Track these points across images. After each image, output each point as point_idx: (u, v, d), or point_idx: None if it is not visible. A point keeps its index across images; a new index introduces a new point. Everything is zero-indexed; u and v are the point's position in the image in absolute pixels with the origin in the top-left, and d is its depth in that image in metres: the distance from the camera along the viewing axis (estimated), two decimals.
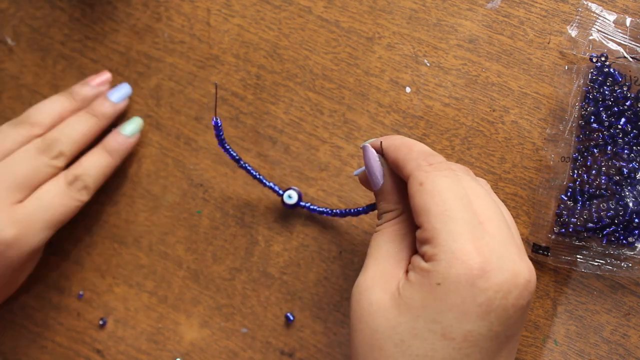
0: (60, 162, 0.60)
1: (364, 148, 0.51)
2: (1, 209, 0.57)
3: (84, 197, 0.60)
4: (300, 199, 0.60)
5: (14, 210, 0.57)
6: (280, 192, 0.60)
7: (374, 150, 0.51)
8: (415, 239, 0.46)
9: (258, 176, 0.60)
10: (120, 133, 0.62)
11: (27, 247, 0.58)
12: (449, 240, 0.44)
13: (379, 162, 0.51)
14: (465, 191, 0.45)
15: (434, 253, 0.44)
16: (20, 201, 0.58)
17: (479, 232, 0.44)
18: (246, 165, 0.59)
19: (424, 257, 0.45)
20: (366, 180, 0.53)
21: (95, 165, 0.61)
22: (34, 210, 0.58)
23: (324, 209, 0.59)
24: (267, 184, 0.60)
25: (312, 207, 0.60)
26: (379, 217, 0.51)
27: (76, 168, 0.60)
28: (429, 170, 0.46)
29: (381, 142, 0.51)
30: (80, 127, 0.61)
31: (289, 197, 0.60)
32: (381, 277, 0.47)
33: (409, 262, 0.47)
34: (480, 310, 0.43)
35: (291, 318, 0.61)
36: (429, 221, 0.45)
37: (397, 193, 0.50)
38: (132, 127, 0.63)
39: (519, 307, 0.44)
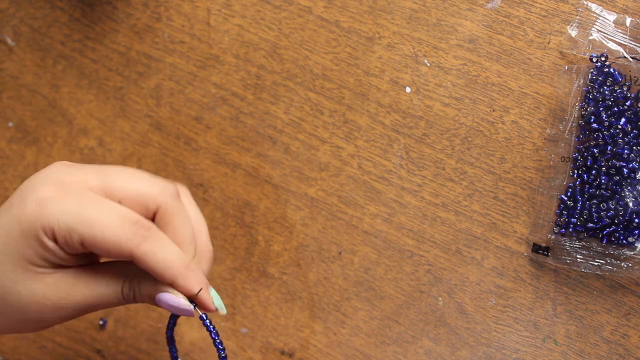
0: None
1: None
2: (66, 174, 0.49)
3: (134, 239, 0.48)
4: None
5: (75, 184, 0.48)
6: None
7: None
8: None
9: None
10: (210, 290, 0.52)
11: (48, 215, 0.47)
12: None
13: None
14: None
15: None
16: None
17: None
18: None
19: None
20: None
21: (169, 254, 0.49)
22: (86, 196, 0.48)
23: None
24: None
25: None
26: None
27: (155, 234, 0.49)
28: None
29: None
30: (176, 251, 0.50)
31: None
32: None
33: None
34: None
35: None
36: None
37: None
38: (218, 298, 0.52)
39: None
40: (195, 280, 0.49)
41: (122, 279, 0.50)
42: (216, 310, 0.50)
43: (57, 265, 0.48)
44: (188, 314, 0.50)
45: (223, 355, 0.51)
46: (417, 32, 0.60)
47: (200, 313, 0.50)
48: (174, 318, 0.52)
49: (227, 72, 0.63)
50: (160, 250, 0.48)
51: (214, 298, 0.50)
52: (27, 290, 0.48)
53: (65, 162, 0.50)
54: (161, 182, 0.50)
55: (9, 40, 0.67)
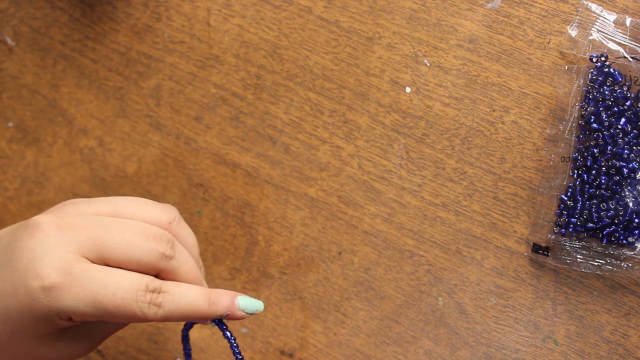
0: (164, 262, 0.49)
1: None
2: (65, 252, 0.47)
3: (149, 313, 0.48)
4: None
5: (77, 261, 0.47)
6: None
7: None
8: None
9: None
10: (238, 305, 0.52)
11: (61, 306, 0.46)
12: None
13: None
14: None
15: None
16: (90, 260, 0.48)
17: None
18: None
19: None
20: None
21: (188, 298, 0.49)
22: (93, 278, 0.47)
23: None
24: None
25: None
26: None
27: (167, 283, 0.49)
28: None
29: None
30: (192, 262, 0.52)
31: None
32: None
33: None
34: None
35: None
36: None
37: None
38: (252, 305, 0.53)
39: None
40: (221, 307, 0.51)
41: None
42: (250, 315, 0.52)
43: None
44: (204, 322, 0.52)
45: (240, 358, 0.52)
46: (417, 32, 0.60)
47: (218, 322, 0.51)
48: (186, 330, 0.54)
49: (227, 72, 0.63)
50: (177, 306, 0.49)
51: (245, 307, 0.52)
52: (51, 350, 0.49)
53: (49, 219, 0.48)
54: (156, 245, 0.49)
55: (9, 40, 0.67)
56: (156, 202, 0.52)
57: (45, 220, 0.48)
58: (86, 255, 0.47)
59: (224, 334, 0.52)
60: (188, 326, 0.54)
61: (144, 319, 0.48)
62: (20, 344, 0.48)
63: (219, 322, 0.51)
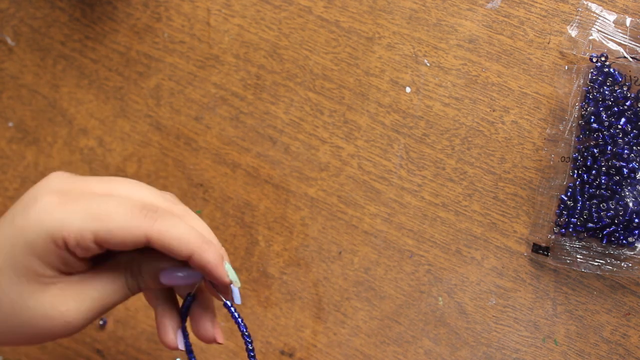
0: (153, 212, 0.48)
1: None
2: (64, 183, 0.48)
3: (144, 223, 0.47)
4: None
5: (74, 187, 0.48)
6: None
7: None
8: None
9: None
10: (225, 264, 0.50)
11: (54, 221, 0.46)
12: None
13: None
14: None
15: None
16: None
17: None
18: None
19: None
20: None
21: (183, 228, 0.48)
22: (88, 197, 0.47)
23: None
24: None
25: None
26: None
27: (165, 212, 0.49)
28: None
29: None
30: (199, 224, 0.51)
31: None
32: None
33: None
34: None
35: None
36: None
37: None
38: (233, 274, 0.51)
39: None
40: (213, 252, 0.48)
41: (122, 271, 0.50)
42: (231, 283, 0.49)
43: (62, 273, 0.48)
44: (196, 278, 0.49)
45: (249, 340, 0.51)
46: (417, 32, 0.60)
47: (224, 301, 0.50)
48: (185, 308, 0.52)
49: (227, 72, 0.63)
50: (173, 228, 0.47)
51: (228, 272, 0.49)
52: (34, 301, 0.47)
53: (63, 172, 0.50)
54: (160, 192, 0.50)
55: (9, 40, 0.67)
56: (155, 189, 0.51)
57: (57, 173, 0.49)
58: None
59: (233, 316, 0.50)
60: (187, 302, 0.52)
61: (141, 232, 0.46)
62: (8, 284, 0.47)
63: (230, 307, 0.50)
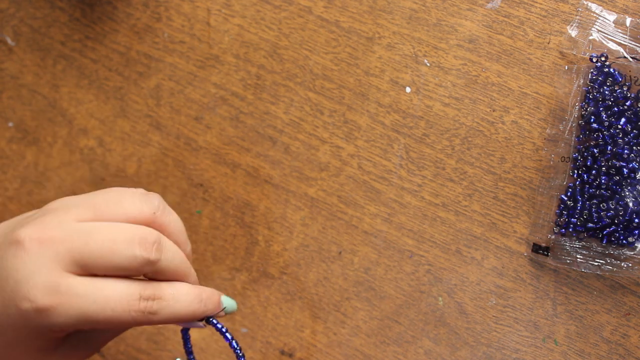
0: (148, 267, 0.48)
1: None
2: (49, 270, 0.46)
3: (144, 320, 0.48)
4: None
5: (62, 278, 0.47)
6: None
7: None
8: None
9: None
10: (223, 304, 0.53)
11: (52, 323, 0.47)
12: None
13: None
14: None
15: None
16: (77, 274, 0.47)
17: None
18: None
19: None
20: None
21: (182, 302, 0.49)
22: (80, 294, 0.47)
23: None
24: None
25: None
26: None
27: (161, 286, 0.49)
28: None
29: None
30: (180, 255, 0.51)
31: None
32: None
33: None
34: None
35: None
36: None
37: None
38: (231, 305, 0.54)
39: None
40: (211, 306, 0.51)
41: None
42: (224, 308, 0.52)
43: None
44: (198, 326, 0.52)
45: (241, 354, 0.53)
46: (417, 32, 0.60)
47: (215, 323, 0.52)
48: (186, 342, 0.54)
49: (227, 72, 0.63)
50: (172, 311, 0.49)
51: (226, 306, 0.53)
52: (50, 357, 0.50)
53: (29, 233, 0.48)
54: (138, 250, 0.48)
55: (9, 40, 0.67)
56: (136, 191, 0.50)
57: (26, 236, 0.47)
58: (70, 269, 0.47)
59: (224, 335, 0.52)
60: (186, 329, 0.54)
61: (139, 325, 0.48)
62: (20, 356, 0.49)
63: (219, 327, 0.52)
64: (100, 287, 0.47)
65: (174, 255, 0.50)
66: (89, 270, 0.47)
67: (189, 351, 0.54)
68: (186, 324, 0.52)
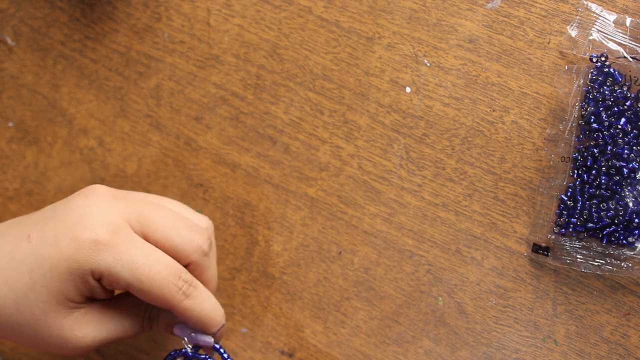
0: (198, 255, 0.52)
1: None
2: (116, 216, 0.49)
3: (177, 296, 0.50)
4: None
5: (125, 226, 0.49)
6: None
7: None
8: None
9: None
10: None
11: (101, 261, 0.48)
12: None
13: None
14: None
15: None
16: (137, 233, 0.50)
17: None
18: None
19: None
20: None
21: (211, 303, 0.53)
22: (137, 246, 0.49)
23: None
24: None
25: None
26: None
27: (197, 282, 0.52)
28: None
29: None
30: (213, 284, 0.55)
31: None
32: None
33: None
34: None
35: None
36: None
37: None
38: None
39: None
40: (220, 323, 0.53)
41: (142, 311, 0.53)
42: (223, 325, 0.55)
43: (88, 299, 0.50)
44: (208, 344, 0.53)
45: None
46: (417, 32, 0.60)
47: (214, 344, 0.53)
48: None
49: (227, 72, 0.63)
50: (198, 307, 0.51)
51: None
52: (56, 323, 0.49)
53: (105, 188, 0.51)
54: (196, 237, 0.51)
55: (9, 40, 0.67)
56: (189, 227, 0.52)
57: (101, 187, 0.51)
58: (132, 225, 0.49)
59: (221, 355, 0.54)
60: (195, 347, 0.54)
61: (169, 303, 0.49)
62: (36, 300, 0.48)
63: (224, 356, 0.54)
64: (154, 250, 0.49)
65: (214, 263, 0.54)
66: (147, 235, 0.50)
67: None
68: (198, 337, 0.53)
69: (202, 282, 0.53)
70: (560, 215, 0.56)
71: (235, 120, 0.63)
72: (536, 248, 0.57)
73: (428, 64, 0.60)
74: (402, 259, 0.60)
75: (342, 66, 0.61)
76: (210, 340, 0.53)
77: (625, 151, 0.54)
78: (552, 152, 0.57)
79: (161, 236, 0.50)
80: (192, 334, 0.53)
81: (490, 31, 0.59)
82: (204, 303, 0.51)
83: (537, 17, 0.58)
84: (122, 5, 0.65)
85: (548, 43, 0.58)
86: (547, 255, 0.56)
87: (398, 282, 0.60)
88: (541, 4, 0.58)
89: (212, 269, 0.54)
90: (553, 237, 0.56)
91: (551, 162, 0.57)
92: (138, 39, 0.65)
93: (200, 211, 0.63)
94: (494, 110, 0.59)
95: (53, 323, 0.49)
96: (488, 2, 0.59)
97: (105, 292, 0.50)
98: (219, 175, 0.64)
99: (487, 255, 0.58)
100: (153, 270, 0.48)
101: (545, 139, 0.58)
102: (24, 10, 0.67)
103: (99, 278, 0.48)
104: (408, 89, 0.60)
